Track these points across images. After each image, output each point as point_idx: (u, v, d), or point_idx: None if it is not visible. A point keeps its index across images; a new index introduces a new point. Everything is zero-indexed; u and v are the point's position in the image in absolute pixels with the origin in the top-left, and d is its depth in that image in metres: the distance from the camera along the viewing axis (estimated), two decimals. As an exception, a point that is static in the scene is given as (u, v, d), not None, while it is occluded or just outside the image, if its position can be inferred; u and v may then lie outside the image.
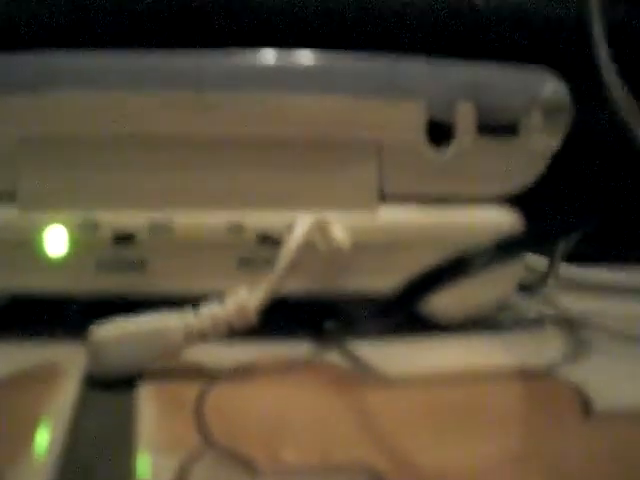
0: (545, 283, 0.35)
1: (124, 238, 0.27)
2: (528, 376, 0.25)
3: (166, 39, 0.27)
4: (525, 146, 0.28)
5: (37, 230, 0.26)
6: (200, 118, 0.27)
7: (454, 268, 0.25)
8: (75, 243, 0.27)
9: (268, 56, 0.27)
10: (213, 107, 0.27)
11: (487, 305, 0.30)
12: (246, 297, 0.25)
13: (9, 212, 0.27)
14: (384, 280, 0.28)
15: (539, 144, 0.29)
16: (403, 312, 0.26)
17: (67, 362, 0.24)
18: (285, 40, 0.27)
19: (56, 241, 0.26)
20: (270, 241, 0.27)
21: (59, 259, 0.27)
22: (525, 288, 0.35)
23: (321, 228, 0.26)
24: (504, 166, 0.29)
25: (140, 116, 0.26)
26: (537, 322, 0.32)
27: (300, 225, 0.26)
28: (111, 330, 0.24)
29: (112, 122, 0.26)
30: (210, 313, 0.24)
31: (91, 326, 0.24)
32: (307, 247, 0.27)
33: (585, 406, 0.22)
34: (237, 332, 0.24)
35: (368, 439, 0.20)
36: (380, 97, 0.27)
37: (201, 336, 0.24)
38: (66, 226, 0.26)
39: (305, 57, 0.27)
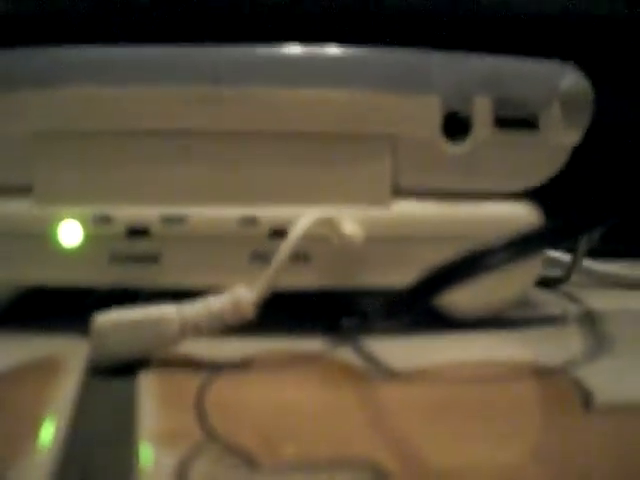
0: (568, 279, 0.35)
1: (137, 232, 0.27)
2: (539, 374, 0.25)
3: (180, 33, 0.27)
4: (544, 140, 0.28)
5: (52, 223, 0.27)
6: (215, 112, 0.27)
7: (471, 264, 0.25)
8: (89, 236, 0.27)
9: (284, 50, 0.27)
10: (229, 101, 0.26)
11: (506, 301, 0.29)
12: (242, 292, 0.24)
13: (25, 206, 0.27)
14: (399, 275, 0.28)
15: (559, 138, 0.28)
16: (417, 308, 0.25)
17: (68, 356, 0.25)
18: (300, 35, 0.27)
19: (71, 234, 0.27)
20: (282, 235, 0.27)
21: (73, 252, 0.27)
22: (547, 284, 0.35)
23: (330, 223, 0.26)
24: (523, 160, 0.28)
25: (155, 110, 0.26)
26: (558, 318, 0.31)
27: (302, 220, 0.25)
28: (112, 318, 0.24)
29: (127, 117, 0.26)
30: (205, 306, 0.24)
31: (95, 313, 0.24)
32: (321, 242, 0.27)
33: (587, 402, 0.22)
34: (234, 327, 0.24)
35: (371, 435, 0.20)
36: (396, 91, 0.27)
37: (196, 329, 0.24)
38: (80, 219, 0.27)
39: (321, 51, 0.27)
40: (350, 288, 0.28)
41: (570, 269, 0.35)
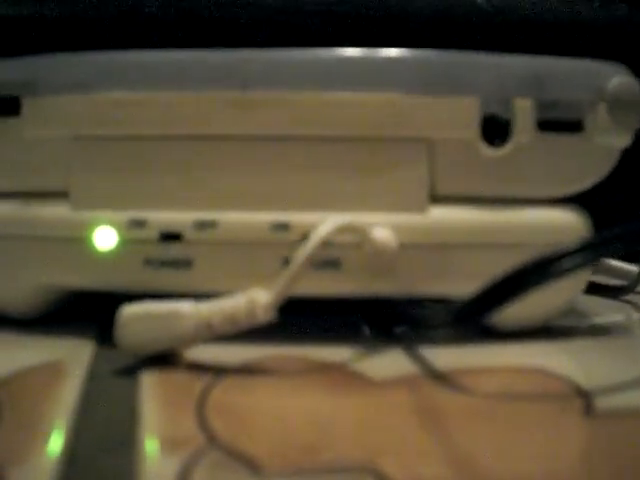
0: (633, 288, 0.33)
1: (171, 236, 0.27)
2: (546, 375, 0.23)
3: (210, 38, 0.27)
4: (590, 143, 0.27)
5: (88, 228, 0.27)
6: (246, 117, 0.26)
7: (544, 268, 0.24)
8: (124, 241, 0.27)
9: (315, 53, 0.27)
10: (260, 106, 0.26)
11: (552, 310, 0.28)
12: (258, 294, 0.24)
13: (62, 210, 0.27)
14: (435, 284, 0.27)
15: (606, 141, 0.27)
16: (486, 316, 0.24)
17: (71, 360, 0.25)
18: (328, 38, 0.27)
19: (106, 238, 0.27)
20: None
21: (108, 256, 0.27)
22: (612, 293, 0.33)
23: (357, 229, 0.26)
24: (567, 165, 0.27)
25: (187, 116, 0.26)
26: (622, 328, 0.30)
27: (322, 226, 0.25)
28: (136, 310, 0.25)
29: (160, 122, 0.26)
30: (219, 305, 0.24)
31: (123, 304, 0.25)
32: (353, 248, 0.26)
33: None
34: (247, 329, 0.24)
35: (376, 441, 0.19)
36: (432, 93, 0.26)
37: (209, 327, 0.24)
38: (115, 224, 0.27)
39: (354, 53, 0.27)
40: (384, 296, 0.27)
41: (638, 279, 0.33)
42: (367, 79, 0.26)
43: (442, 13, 0.27)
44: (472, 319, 0.25)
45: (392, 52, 0.27)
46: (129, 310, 0.25)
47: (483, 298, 0.24)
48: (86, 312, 0.28)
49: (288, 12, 0.27)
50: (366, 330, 0.28)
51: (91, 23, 0.27)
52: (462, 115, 0.26)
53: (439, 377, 0.24)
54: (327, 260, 0.26)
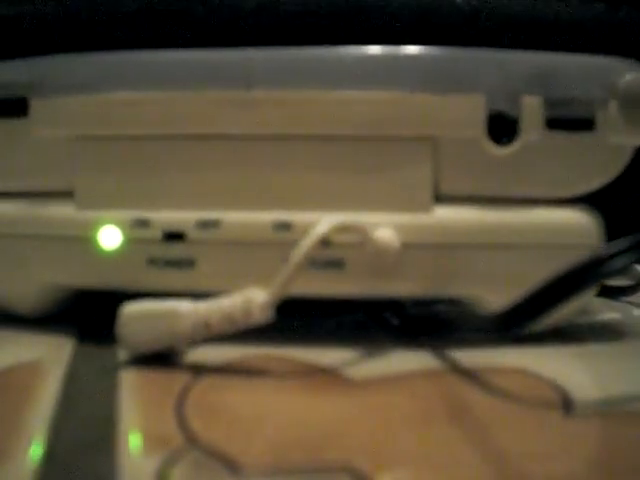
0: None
1: (174, 236, 0.27)
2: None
3: (212, 37, 0.27)
4: (601, 142, 0.26)
5: (92, 227, 0.27)
6: (250, 116, 0.26)
7: (590, 271, 0.23)
8: (127, 240, 0.27)
9: (318, 52, 0.26)
10: (263, 105, 0.26)
11: (564, 313, 0.27)
12: (254, 293, 0.24)
13: (67, 210, 0.27)
14: (439, 284, 0.27)
15: (618, 139, 0.26)
16: (532, 322, 0.24)
17: (50, 360, 0.25)
18: (331, 36, 0.26)
19: (110, 238, 0.27)
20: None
21: (112, 255, 0.27)
22: (621, 293, 0.33)
23: (358, 229, 0.25)
24: (577, 164, 0.26)
25: (190, 115, 0.26)
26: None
27: (319, 226, 0.25)
28: (136, 309, 0.25)
29: (163, 122, 0.27)
30: (217, 305, 0.24)
31: (124, 301, 0.25)
32: (356, 248, 0.26)
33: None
34: (245, 328, 0.24)
35: (354, 442, 0.19)
36: (437, 90, 0.26)
37: (207, 326, 0.24)
38: (119, 223, 0.27)
39: (355, 52, 0.26)
40: (387, 297, 0.27)
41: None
42: (371, 77, 0.26)
43: (421, 12, 0.26)
44: (516, 326, 0.24)
45: (396, 50, 0.26)
46: (129, 309, 0.25)
47: (528, 304, 0.23)
48: (65, 311, 0.28)
49: (266, 11, 0.26)
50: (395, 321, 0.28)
51: (96, 23, 0.27)
52: (467, 113, 0.26)
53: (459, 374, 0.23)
54: (330, 260, 0.26)
